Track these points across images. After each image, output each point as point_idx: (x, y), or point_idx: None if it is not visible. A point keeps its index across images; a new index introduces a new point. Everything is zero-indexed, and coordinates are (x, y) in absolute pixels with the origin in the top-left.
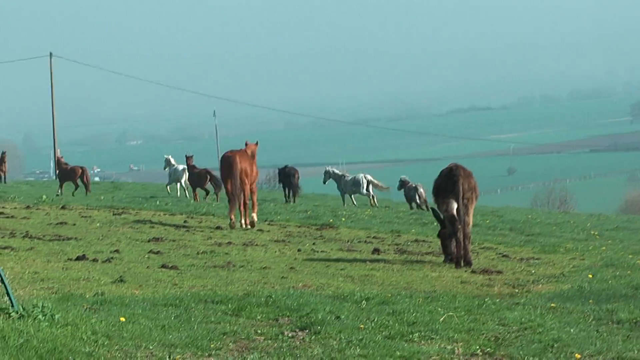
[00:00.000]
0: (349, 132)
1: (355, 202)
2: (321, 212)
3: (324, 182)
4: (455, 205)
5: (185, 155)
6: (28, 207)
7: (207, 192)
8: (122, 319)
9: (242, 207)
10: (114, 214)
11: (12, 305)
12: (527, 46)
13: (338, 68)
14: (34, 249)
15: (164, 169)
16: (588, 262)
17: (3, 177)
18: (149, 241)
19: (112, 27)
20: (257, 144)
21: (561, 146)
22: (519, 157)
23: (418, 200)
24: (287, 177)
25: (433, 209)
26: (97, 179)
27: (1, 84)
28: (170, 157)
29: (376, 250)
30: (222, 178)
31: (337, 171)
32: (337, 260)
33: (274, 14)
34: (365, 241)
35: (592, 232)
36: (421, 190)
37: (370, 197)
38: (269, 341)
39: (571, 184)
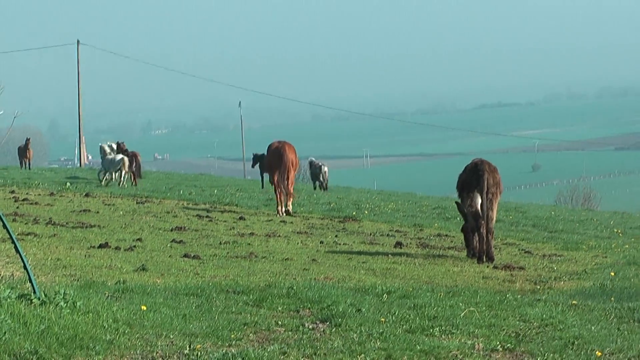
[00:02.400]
0: (374, 125)
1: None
2: (344, 205)
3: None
4: (479, 200)
5: (118, 142)
6: (52, 194)
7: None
8: (144, 308)
9: (280, 197)
10: (137, 203)
11: (34, 292)
12: (556, 44)
13: (365, 65)
14: (57, 235)
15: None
16: (610, 260)
17: (28, 163)
18: (171, 230)
19: (140, 16)
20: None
21: (586, 143)
22: (543, 154)
23: (321, 179)
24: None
25: (457, 203)
26: None
27: (28, 71)
28: (105, 145)
29: (398, 244)
30: (269, 167)
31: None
32: (359, 253)
33: (303, 9)
34: (388, 234)
35: (615, 230)
36: (325, 169)
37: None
38: (290, 332)
39: (595, 181)
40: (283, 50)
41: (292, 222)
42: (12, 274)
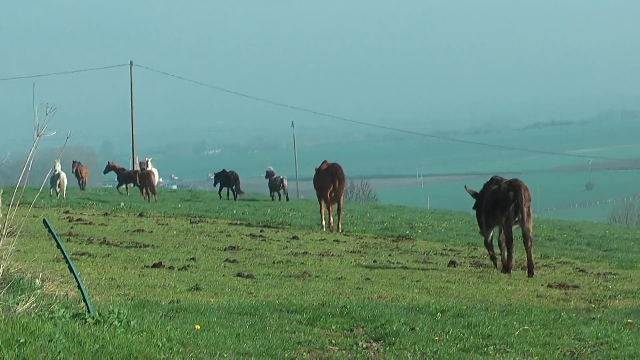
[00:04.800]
0: (427, 144)
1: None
2: (398, 224)
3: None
4: (515, 217)
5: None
6: (106, 214)
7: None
8: (197, 327)
9: (330, 215)
10: (190, 222)
11: (89, 311)
12: (610, 61)
13: (417, 80)
14: (111, 255)
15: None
16: None
17: (82, 184)
18: (225, 250)
19: (192, 37)
20: None
21: None
22: (597, 172)
23: (281, 191)
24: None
25: (480, 220)
26: (174, 187)
27: (82, 92)
28: (57, 161)
29: (452, 263)
30: (319, 187)
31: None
32: (413, 272)
33: (355, 29)
34: (442, 253)
35: None
36: (285, 182)
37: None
38: (343, 352)
39: None
40: (335, 69)
41: (345, 242)
42: (67, 294)
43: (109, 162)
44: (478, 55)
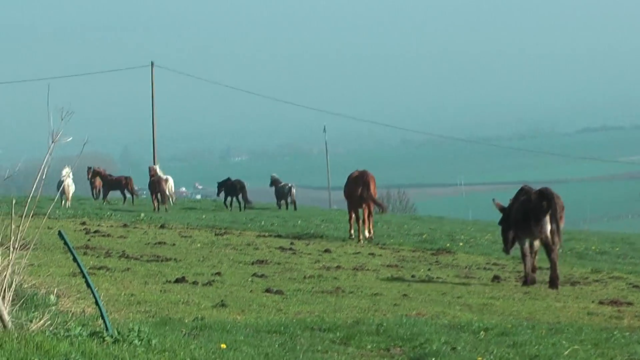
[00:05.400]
0: (468, 151)
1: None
2: (437, 236)
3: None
4: (549, 227)
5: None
6: (125, 225)
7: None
8: (223, 346)
9: (359, 224)
10: (215, 234)
11: (107, 329)
12: None
13: (457, 82)
14: (131, 269)
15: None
16: None
17: (96, 193)
18: (252, 264)
19: (217, 37)
20: None
21: None
22: None
23: (289, 200)
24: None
25: (504, 229)
26: (198, 196)
27: (100, 95)
28: (67, 167)
29: (496, 278)
30: (349, 196)
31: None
32: (454, 287)
33: (395, 29)
34: (485, 268)
35: None
36: (293, 190)
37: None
38: None
39: None
40: (369, 71)
41: (381, 255)
42: (84, 311)
43: (92, 168)
44: (523, 55)
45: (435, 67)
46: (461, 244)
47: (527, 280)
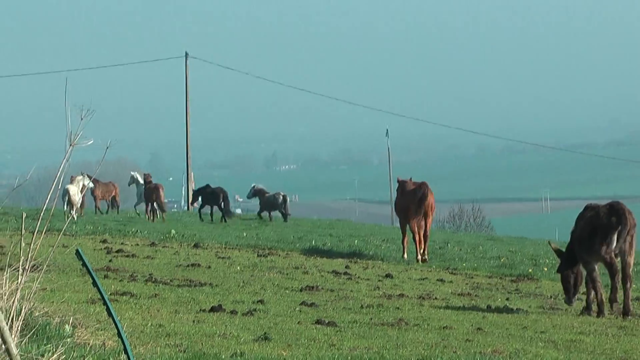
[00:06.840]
0: (555, 160)
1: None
2: (518, 260)
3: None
4: (615, 245)
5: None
6: (153, 244)
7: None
8: None
9: (418, 243)
10: (258, 256)
11: None
12: None
13: (542, 81)
14: (159, 296)
15: (128, 185)
16: None
17: (116, 206)
18: (301, 290)
19: (262, 27)
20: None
21: None
22: None
23: (284, 210)
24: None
25: (557, 250)
26: (238, 210)
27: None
28: (136, 173)
29: (586, 309)
30: (403, 210)
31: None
32: (537, 320)
33: (467, 23)
34: None
35: None
36: (287, 200)
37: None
38: None
39: None
40: (438, 69)
41: (451, 281)
42: (103, 344)
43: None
44: (618, 53)
45: (516, 65)
46: (545, 269)
47: (602, 310)
